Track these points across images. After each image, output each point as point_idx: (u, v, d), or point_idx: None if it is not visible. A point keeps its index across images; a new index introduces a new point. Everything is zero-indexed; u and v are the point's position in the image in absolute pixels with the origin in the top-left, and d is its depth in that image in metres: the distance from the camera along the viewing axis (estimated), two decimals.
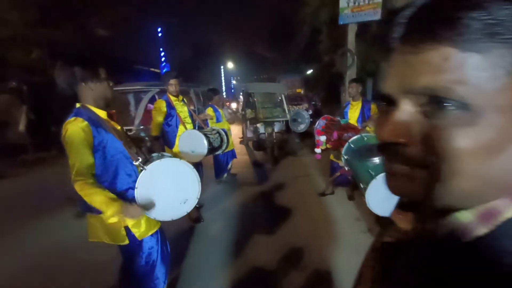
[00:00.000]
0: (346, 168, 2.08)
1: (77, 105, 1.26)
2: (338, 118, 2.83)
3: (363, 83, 3.13)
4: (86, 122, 1.19)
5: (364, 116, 3.03)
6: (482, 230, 0.25)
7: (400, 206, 0.37)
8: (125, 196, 1.30)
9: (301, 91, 16.18)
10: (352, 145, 1.97)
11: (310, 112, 6.71)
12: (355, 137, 2.01)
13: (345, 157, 1.97)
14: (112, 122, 1.35)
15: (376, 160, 1.60)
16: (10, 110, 6.37)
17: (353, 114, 3.10)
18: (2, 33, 6.13)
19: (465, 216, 0.26)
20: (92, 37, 8.46)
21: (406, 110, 0.26)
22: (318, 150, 2.66)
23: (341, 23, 5.08)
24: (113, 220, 1.24)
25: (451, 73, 0.23)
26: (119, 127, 1.39)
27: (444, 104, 0.23)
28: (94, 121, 1.22)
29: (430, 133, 0.24)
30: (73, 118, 1.19)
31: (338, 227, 2.69)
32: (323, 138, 2.59)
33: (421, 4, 0.25)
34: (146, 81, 6.13)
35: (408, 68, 0.25)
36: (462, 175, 0.24)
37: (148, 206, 1.28)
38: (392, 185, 0.29)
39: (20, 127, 6.33)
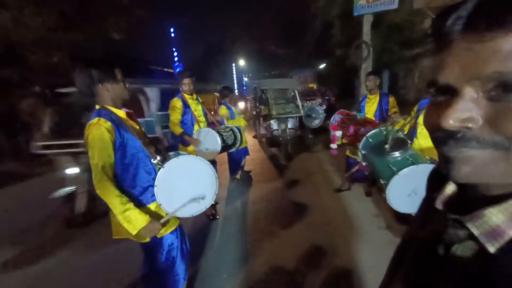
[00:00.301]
0: (364, 164, 2.02)
1: (97, 106, 1.30)
2: (355, 113, 2.75)
3: (380, 75, 3.01)
4: (109, 123, 1.22)
5: (382, 110, 2.93)
6: None
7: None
8: (145, 194, 1.33)
9: (313, 86, 15.94)
10: (370, 140, 1.91)
11: (324, 107, 6.58)
12: (373, 131, 1.94)
13: (363, 152, 1.91)
14: (131, 122, 1.38)
15: (397, 154, 1.54)
16: (35, 112, 6.72)
17: (370, 108, 3.00)
18: (27, 38, 6.45)
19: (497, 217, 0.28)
20: (109, 40, 8.74)
21: (471, 96, 0.27)
22: (333, 146, 2.60)
23: (356, 14, 4.91)
24: (135, 233, 1.28)
25: None
26: (137, 127, 1.42)
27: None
28: (115, 121, 1.26)
29: (499, 115, 0.26)
30: (96, 119, 1.22)
31: (356, 223, 2.63)
32: (339, 133, 2.53)
33: None
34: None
35: (474, 56, 0.27)
36: None
37: (167, 221, 1.34)
38: (457, 172, 0.29)
39: (45, 129, 6.66)
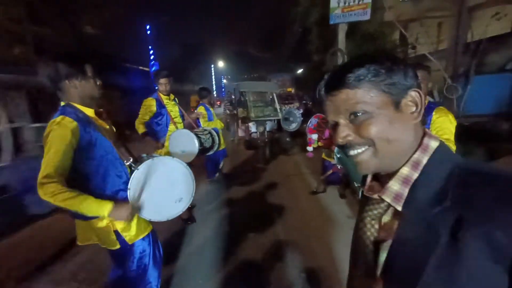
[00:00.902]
0: (339, 167, 2.08)
1: (62, 103, 1.20)
2: None
3: None
4: (75, 123, 1.12)
5: None
6: (415, 174, 0.45)
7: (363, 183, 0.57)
8: (115, 199, 1.24)
9: (291, 90, 16.27)
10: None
11: (301, 111, 6.74)
12: None
13: (338, 155, 1.97)
14: (100, 121, 1.29)
15: None
16: None
17: None
18: None
19: (405, 170, 0.46)
20: (81, 35, 8.23)
21: (343, 123, 0.49)
22: (310, 148, 2.67)
23: (332, 22, 5.12)
24: (102, 224, 1.18)
25: (352, 100, 0.46)
26: (107, 126, 1.33)
27: (357, 114, 0.46)
28: (82, 120, 1.16)
29: (358, 128, 0.47)
30: (60, 117, 1.12)
31: (331, 225, 2.71)
32: (315, 136, 2.60)
33: (326, 78, 0.50)
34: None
35: (335, 104, 0.48)
36: (385, 144, 0.45)
37: (141, 206, 1.23)
38: (360, 166, 0.49)
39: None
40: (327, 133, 2.50)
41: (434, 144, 0.46)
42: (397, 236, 0.44)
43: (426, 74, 1.51)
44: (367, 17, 4.82)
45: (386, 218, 0.48)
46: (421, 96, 0.46)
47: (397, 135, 0.45)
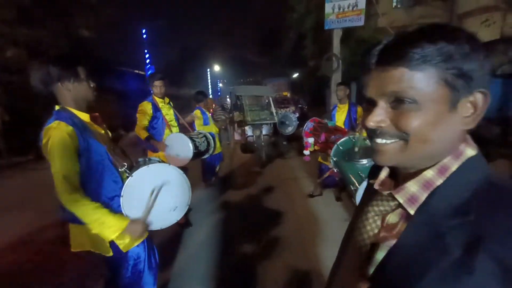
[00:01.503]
0: (335, 170, 2.10)
1: (56, 107, 1.17)
2: (326, 121, 2.87)
3: (349, 86, 3.20)
4: (71, 127, 1.10)
5: (351, 119, 3.09)
6: (440, 180, 0.40)
7: (373, 176, 0.53)
8: (110, 204, 1.22)
9: (287, 94, 16.38)
10: (340, 147, 2.00)
11: (297, 115, 6.78)
12: (343, 139, 2.03)
13: (334, 159, 1.99)
14: (95, 126, 1.27)
15: (365, 161, 1.62)
16: None
17: (340, 116, 3.15)
18: None
19: (429, 173, 0.41)
20: (76, 38, 8.17)
21: (382, 106, 0.42)
22: (306, 152, 2.67)
23: (327, 28, 5.20)
24: (114, 236, 1.15)
25: (405, 83, 0.38)
26: (102, 131, 1.31)
27: (404, 100, 0.39)
28: (77, 125, 1.14)
29: (397, 118, 0.41)
30: (56, 123, 1.09)
31: (327, 228, 2.71)
32: (311, 140, 2.61)
33: (386, 42, 0.41)
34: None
35: (381, 80, 0.41)
36: (419, 142, 0.40)
37: (149, 221, 1.22)
38: (379, 157, 0.44)
39: None
40: (323, 136, 2.52)
41: (470, 153, 0.41)
42: (401, 239, 0.41)
43: None
44: (361, 23, 4.91)
45: (392, 218, 0.45)
46: (487, 100, 0.39)
47: (438, 137, 0.39)
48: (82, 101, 1.21)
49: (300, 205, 3.33)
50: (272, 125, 5.89)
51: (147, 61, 19.87)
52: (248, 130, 5.65)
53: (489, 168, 0.41)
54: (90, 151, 1.16)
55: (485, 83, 0.39)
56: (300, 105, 12.26)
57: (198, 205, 3.35)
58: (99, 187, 1.20)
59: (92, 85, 1.23)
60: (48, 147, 1.07)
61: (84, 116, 1.21)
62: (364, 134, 2.17)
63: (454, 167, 0.40)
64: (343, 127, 2.93)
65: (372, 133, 0.44)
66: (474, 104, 0.39)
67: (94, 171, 1.18)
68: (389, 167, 0.49)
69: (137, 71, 18.95)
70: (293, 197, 3.61)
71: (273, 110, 6.07)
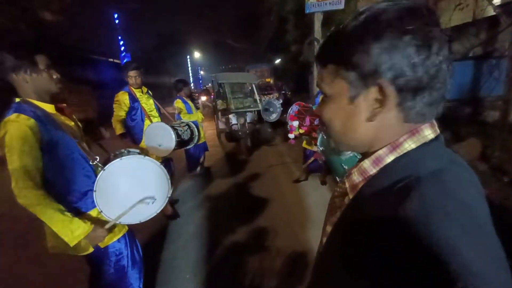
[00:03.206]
0: (320, 150, 2.12)
1: (16, 99, 1.06)
2: (311, 105, 2.88)
3: None
4: (32, 120, 1.00)
5: None
6: (373, 170, 0.42)
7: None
8: (84, 199, 1.16)
9: (270, 80, 16.26)
10: (325, 137, 2.01)
11: (281, 101, 6.77)
12: None
13: (321, 148, 2.01)
14: (63, 117, 1.17)
15: (348, 153, 1.64)
16: None
17: None
18: None
19: (366, 163, 0.43)
20: (36, 22, 7.43)
21: (321, 99, 0.47)
22: (291, 136, 2.69)
23: (307, 12, 5.11)
24: (75, 242, 1.09)
25: (320, 78, 0.45)
26: (72, 123, 1.22)
27: (323, 94, 0.45)
28: (41, 117, 1.04)
29: (320, 111, 0.47)
30: (14, 115, 0.99)
31: (313, 211, 2.79)
32: (295, 123, 2.62)
33: (319, 45, 0.47)
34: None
35: (320, 76, 0.45)
36: (333, 131, 0.45)
37: (113, 227, 1.19)
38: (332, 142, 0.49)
39: None
40: (307, 120, 2.53)
41: (407, 145, 0.39)
42: (342, 212, 0.46)
43: None
44: (341, 6, 4.87)
45: (346, 200, 0.48)
46: (387, 93, 0.37)
47: (348, 128, 0.43)
48: (44, 93, 1.10)
49: (287, 190, 3.39)
50: (256, 113, 5.85)
51: (122, 48, 18.76)
52: (232, 118, 5.57)
53: (436, 161, 0.37)
54: (57, 145, 1.07)
55: (383, 71, 0.36)
56: (283, 91, 12.24)
57: (184, 196, 3.32)
58: (70, 183, 1.13)
59: (55, 76, 1.11)
60: (6, 141, 0.97)
61: (49, 108, 1.11)
62: None
63: (388, 159, 0.40)
64: None
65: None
66: (375, 99, 0.38)
67: (63, 166, 1.10)
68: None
69: (111, 60, 17.92)
70: (280, 183, 3.66)
71: (257, 97, 6.01)
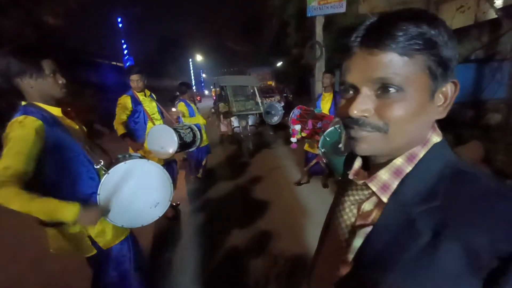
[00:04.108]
0: (324, 160, 2.13)
1: (23, 103, 1.07)
2: (312, 108, 2.89)
3: (334, 74, 3.22)
4: (40, 122, 1.01)
5: (336, 107, 3.13)
6: (409, 168, 0.41)
7: (348, 167, 0.53)
8: (89, 201, 1.16)
9: (272, 83, 16.31)
10: (327, 138, 2.02)
11: (282, 104, 6.78)
12: (329, 130, 2.04)
13: (322, 150, 2.01)
14: (69, 121, 1.19)
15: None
16: None
17: (325, 105, 3.18)
18: None
19: (399, 161, 0.42)
20: (40, 26, 7.53)
21: (366, 93, 0.39)
22: (293, 139, 2.69)
23: (309, 15, 5.14)
24: (74, 230, 1.08)
25: (393, 69, 0.36)
26: (77, 127, 1.23)
27: (390, 88, 0.37)
28: (48, 120, 1.05)
29: (381, 107, 0.38)
30: (22, 117, 1.00)
31: (314, 214, 2.78)
32: (298, 127, 2.62)
33: (369, 23, 0.39)
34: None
35: (367, 65, 0.38)
36: (400, 133, 0.39)
37: (110, 209, 1.13)
38: (358, 148, 0.42)
39: None
40: (309, 123, 2.53)
41: (435, 139, 0.42)
42: (376, 226, 0.42)
43: None
44: (342, 9, 4.89)
45: (367, 206, 0.45)
46: (457, 90, 0.39)
47: (416, 128, 0.39)
48: (49, 97, 1.11)
49: (289, 193, 3.39)
50: (258, 115, 5.87)
51: (125, 52, 18.94)
52: (234, 121, 5.59)
53: (453, 153, 0.42)
54: (62, 147, 1.08)
55: (453, 73, 0.39)
56: (285, 94, 12.25)
57: (186, 198, 3.32)
58: (75, 184, 1.13)
59: (60, 81, 1.11)
60: (9, 137, 0.96)
61: (56, 111, 1.12)
62: None
63: (421, 154, 0.41)
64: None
65: (353, 123, 0.41)
66: (445, 94, 0.39)
67: (68, 168, 1.11)
68: (361, 157, 0.49)
69: (114, 63, 18.08)
70: (282, 186, 3.66)
71: (259, 100, 6.03)
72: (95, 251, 1.19)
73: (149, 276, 1.50)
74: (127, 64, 17.12)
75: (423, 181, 0.39)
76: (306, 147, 3.30)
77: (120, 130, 2.59)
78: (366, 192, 0.46)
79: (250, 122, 5.54)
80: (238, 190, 3.63)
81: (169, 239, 2.50)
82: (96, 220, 1.06)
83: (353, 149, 0.43)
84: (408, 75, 0.36)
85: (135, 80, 2.56)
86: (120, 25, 19.10)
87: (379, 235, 0.41)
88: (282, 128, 5.89)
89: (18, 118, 1.00)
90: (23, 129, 0.98)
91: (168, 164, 2.73)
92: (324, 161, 2.04)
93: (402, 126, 0.38)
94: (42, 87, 1.07)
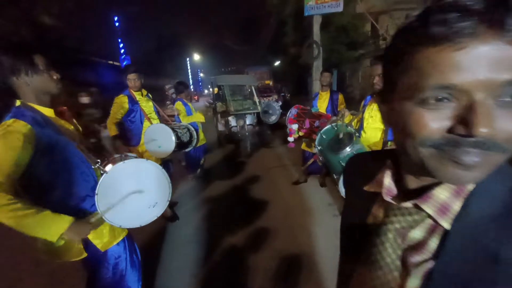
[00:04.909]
0: (320, 158, 2.13)
1: (17, 102, 1.06)
2: (309, 108, 2.89)
3: (332, 73, 3.23)
4: (29, 126, 0.98)
5: (333, 106, 3.13)
6: (470, 185, 0.33)
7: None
8: (83, 205, 1.15)
9: (269, 82, 16.32)
10: (324, 136, 2.02)
11: (280, 103, 6.79)
12: (326, 128, 2.04)
13: (319, 147, 2.01)
14: (62, 121, 1.17)
15: (348, 149, 1.65)
16: None
17: (322, 104, 3.19)
18: None
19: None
20: (36, 25, 7.47)
21: (489, 104, 0.26)
22: (291, 139, 2.69)
23: (306, 14, 5.15)
24: (61, 243, 1.06)
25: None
26: (71, 127, 1.22)
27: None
28: (39, 122, 1.04)
29: (505, 122, 0.26)
30: (11, 120, 0.98)
31: (313, 213, 2.79)
32: (295, 126, 2.62)
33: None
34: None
35: (488, 63, 0.25)
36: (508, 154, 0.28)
37: (99, 222, 1.13)
38: (464, 177, 0.29)
39: None
40: (307, 122, 2.53)
41: None
42: (442, 261, 0.32)
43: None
44: (340, 9, 4.90)
45: (417, 234, 0.36)
46: None
47: None
48: (44, 95, 1.10)
49: (286, 193, 3.39)
50: (255, 115, 5.87)
51: (122, 51, 18.84)
52: (232, 121, 5.58)
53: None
54: (55, 149, 1.06)
55: None
56: (282, 94, 12.27)
57: (184, 198, 3.31)
58: (69, 186, 1.11)
59: (55, 77, 1.11)
60: None
61: (48, 112, 1.11)
62: (347, 120, 2.21)
63: None
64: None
65: (471, 145, 0.27)
66: None
67: (62, 169, 1.09)
68: (391, 171, 0.39)
69: (111, 62, 17.98)
70: (279, 185, 3.66)
71: (256, 99, 6.02)
72: (85, 255, 1.17)
73: (145, 276, 1.49)
74: (124, 63, 17.02)
75: (491, 198, 0.32)
76: (303, 146, 3.31)
77: (113, 131, 2.58)
78: (415, 216, 0.36)
79: (247, 122, 5.53)
80: (235, 189, 3.63)
81: (166, 238, 2.49)
82: (87, 234, 1.07)
83: (447, 177, 0.30)
84: None
85: (132, 79, 2.55)
86: (117, 24, 18.98)
87: (447, 273, 0.32)
88: (280, 127, 5.89)
89: (7, 122, 0.98)
90: (11, 134, 0.94)
91: (165, 163, 2.73)
92: (321, 159, 2.04)
93: None
94: (38, 84, 1.06)
